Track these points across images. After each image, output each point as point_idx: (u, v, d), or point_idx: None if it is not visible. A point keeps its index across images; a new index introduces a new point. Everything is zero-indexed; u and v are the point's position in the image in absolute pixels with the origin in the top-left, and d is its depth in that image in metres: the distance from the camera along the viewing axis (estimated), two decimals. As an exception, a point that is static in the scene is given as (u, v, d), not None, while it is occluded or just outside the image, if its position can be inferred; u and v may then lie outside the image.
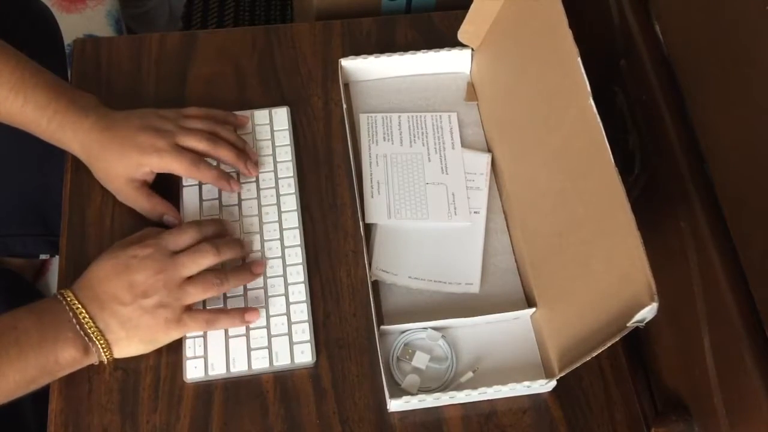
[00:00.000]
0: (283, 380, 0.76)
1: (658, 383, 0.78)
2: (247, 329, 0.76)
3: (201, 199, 0.83)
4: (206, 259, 0.74)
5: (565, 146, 0.72)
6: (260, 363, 0.75)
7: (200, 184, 0.84)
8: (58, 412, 0.73)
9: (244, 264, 0.78)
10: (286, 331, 0.77)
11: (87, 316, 0.70)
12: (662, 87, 0.71)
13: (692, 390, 0.71)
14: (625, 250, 0.63)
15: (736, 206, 0.63)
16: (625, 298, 0.63)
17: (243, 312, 0.76)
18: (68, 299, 0.70)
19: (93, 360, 0.71)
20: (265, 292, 0.78)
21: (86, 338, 0.70)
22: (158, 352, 0.75)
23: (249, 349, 0.76)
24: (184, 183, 0.84)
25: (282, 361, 0.75)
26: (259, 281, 0.79)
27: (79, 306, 0.70)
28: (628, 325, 0.62)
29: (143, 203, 0.80)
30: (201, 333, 0.76)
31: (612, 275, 0.65)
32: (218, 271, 0.75)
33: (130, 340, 0.72)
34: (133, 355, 0.73)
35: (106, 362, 0.72)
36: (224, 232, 0.79)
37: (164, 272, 0.71)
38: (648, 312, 0.60)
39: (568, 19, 0.71)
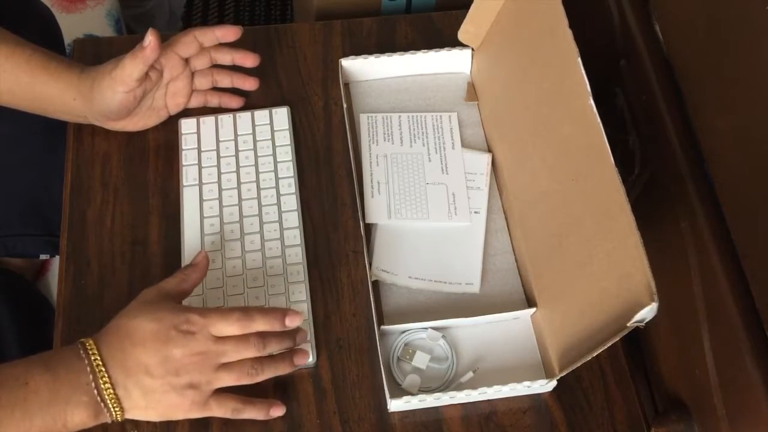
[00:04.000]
0: (283, 380, 0.75)
1: (658, 383, 0.78)
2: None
3: (201, 199, 0.83)
4: (250, 353, 0.69)
5: (565, 146, 0.72)
6: (260, 363, 0.75)
7: (200, 184, 0.84)
8: (59, 412, 0.73)
9: (286, 353, 0.72)
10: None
11: (108, 382, 0.65)
12: (662, 87, 0.71)
13: (692, 390, 0.71)
14: (625, 250, 0.63)
15: (736, 206, 0.63)
16: (625, 298, 0.63)
17: (269, 405, 0.72)
18: (92, 357, 0.65)
19: (102, 421, 0.67)
20: (266, 291, 0.78)
21: (101, 403, 0.65)
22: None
23: (249, 349, 0.76)
24: (185, 183, 0.84)
25: (282, 361, 0.75)
26: (260, 280, 0.79)
27: (103, 369, 0.65)
28: (628, 325, 0.62)
29: None
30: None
31: (612, 275, 0.65)
32: (256, 360, 0.70)
33: (147, 410, 0.68)
34: (144, 420, 0.70)
35: (115, 421, 0.68)
36: (277, 328, 0.71)
37: (204, 355, 0.67)
38: (648, 312, 0.60)
39: (568, 19, 0.71)
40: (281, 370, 0.72)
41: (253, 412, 0.71)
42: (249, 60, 0.86)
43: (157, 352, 0.66)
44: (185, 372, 0.66)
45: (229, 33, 0.84)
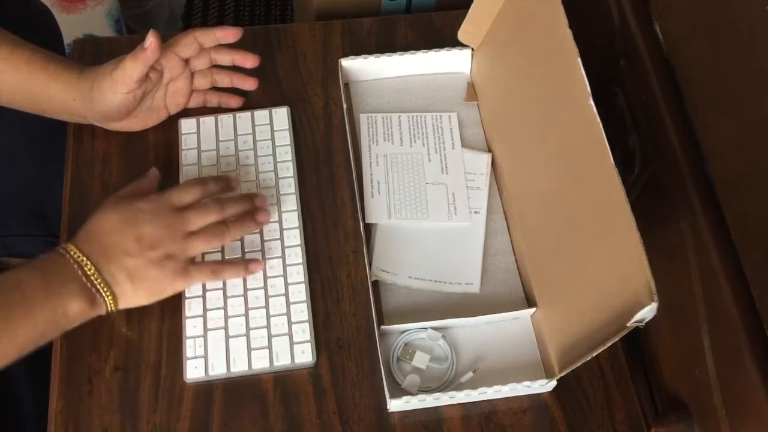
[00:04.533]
0: (283, 380, 0.76)
1: (658, 383, 0.78)
2: (248, 329, 0.76)
3: (201, 199, 0.83)
4: (211, 215, 0.75)
5: (565, 146, 0.72)
6: (260, 363, 0.75)
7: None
8: (59, 413, 0.73)
9: (247, 213, 0.78)
10: (287, 331, 0.77)
11: (93, 268, 0.70)
12: (662, 87, 0.71)
13: (692, 390, 0.71)
14: (625, 250, 0.63)
15: (736, 206, 0.63)
16: (625, 298, 0.63)
17: (247, 263, 0.77)
18: (72, 253, 0.70)
19: (100, 311, 0.71)
20: (266, 292, 0.78)
21: (93, 290, 0.70)
22: (158, 351, 0.76)
23: (249, 349, 0.76)
24: (183, 178, 0.84)
25: (282, 361, 0.75)
26: (260, 281, 0.79)
27: (84, 259, 0.70)
28: (628, 325, 0.62)
29: None
30: (201, 333, 0.76)
31: (612, 275, 0.65)
32: (221, 222, 0.76)
33: (136, 291, 0.72)
34: (136, 305, 0.74)
35: (111, 312, 0.72)
36: (228, 188, 0.79)
37: (171, 226, 0.73)
38: (648, 312, 0.60)
39: (568, 19, 0.71)
40: (246, 228, 0.78)
41: (231, 272, 0.77)
42: (249, 61, 0.87)
43: (129, 233, 0.72)
44: (159, 244, 0.72)
45: (229, 34, 0.84)
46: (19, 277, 0.69)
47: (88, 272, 0.70)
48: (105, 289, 0.70)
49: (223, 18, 1.77)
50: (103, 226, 0.72)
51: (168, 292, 0.74)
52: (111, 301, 0.71)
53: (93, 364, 0.75)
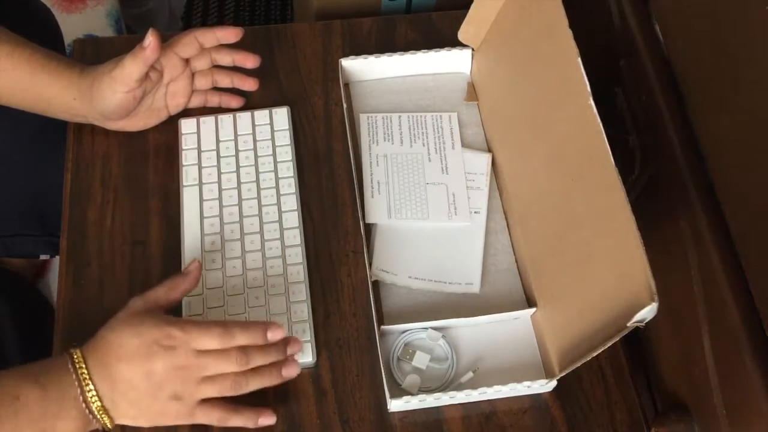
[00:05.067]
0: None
1: (658, 383, 0.78)
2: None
3: (201, 199, 0.83)
4: (231, 368, 0.69)
5: (565, 146, 0.72)
6: (260, 363, 0.75)
7: (200, 184, 0.84)
8: (59, 412, 0.73)
9: (274, 364, 0.71)
10: (287, 331, 0.77)
11: (96, 395, 0.66)
12: (662, 87, 0.72)
13: (692, 390, 0.71)
14: (625, 250, 0.63)
15: (736, 206, 0.63)
16: (625, 298, 0.63)
17: (258, 413, 0.71)
18: (78, 369, 0.66)
19: (93, 428, 0.68)
20: (266, 291, 0.78)
21: (90, 415, 0.67)
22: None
23: (249, 349, 0.76)
24: (185, 183, 0.84)
25: (282, 361, 0.75)
26: (260, 280, 0.79)
27: (89, 381, 0.66)
28: (628, 325, 0.62)
29: None
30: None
31: (612, 275, 0.65)
32: (239, 374, 0.69)
33: (137, 419, 0.69)
34: (134, 425, 0.70)
35: (104, 430, 0.69)
36: (258, 340, 0.70)
37: (185, 369, 0.67)
38: (648, 312, 0.60)
39: (568, 19, 0.71)
40: (268, 382, 0.71)
41: (239, 420, 0.71)
42: (249, 61, 0.87)
43: (139, 367, 0.67)
44: (168, 385, 0.67)
45: (230, 34, 0.84)
46: (18, 387, 0.65)
47: (90, 399, 0.66)
48: (102, 414, 0.67)
49: (223, 18, 1.77)
50: (117, 348, 0.67)
51: (170, 423, 0.70)
52: (108, 423, 0.68)
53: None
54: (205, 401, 0.69)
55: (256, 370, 0.70)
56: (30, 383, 0.65)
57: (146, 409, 0.68)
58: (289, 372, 0.71)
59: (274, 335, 0.70)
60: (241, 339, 0.69)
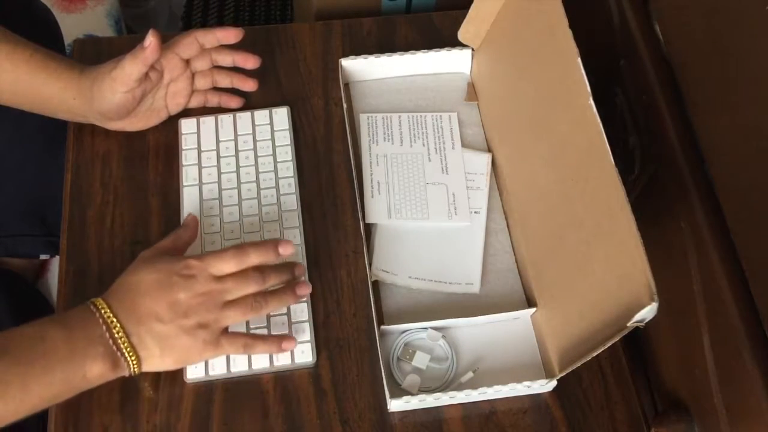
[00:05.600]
0: (283, 380, 0.76)
1: (658, 383, 0.78)
2: (248, 329, 0.76)
3: (201, 199, 0.83)
4: (251, 287, 0.71)
5: (565, 146, 0.72)
6: (260, 363, 0.75)
7: (200, 184, 0.84)
8: (59, 412, 0.73)
9: (288, 284, 0.75)
10: (287, 331, 0.77)
11: (122, 331, 0.68)
12: (662, 87, 0.71)
13: (692, 390, 0.71)
14: (625, 250, 0.63)
15: (736, 206, 0.63)
16: (625, 298, 0.63)
17: (281, 340, 0.74)
18: (102, 311, 0.68)
19: (122, 374, 0.69)
20: (266, 291, 0.78)
21: (118, 353, 0.68)
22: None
23: (249, 349, 0.76)
24: (185, 183, 0.84)
25: (282, 361, 0.75)
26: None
27: (114, 320, 0.68)
28: (628, 325, 0.62)
29: None
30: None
31: (612, 275, 0.65)
32: (258, 294, 0.72)
33: (164, 357, 0.70)
34: (161, 370, 0.72)
35: (134, 375, 0.70)
36: (271, 260, 0.73)
37: (207, 295, 0.69)
38: (648, 312, 0.60)
39: (568, 19, 0.71)
40: (285, 301, 0.74)
41: (264, 347, 0.74)
42: (250, 62, 0.87)
43: (163, 299, 0.69)
44: (193, 313, 0.69)
45: (230, 35, 0.84)
46: (43, 330, 0.66)
47: (116, 335, 0.67)
48: (130, 353, 0.68)
49: (223, 18, 1.77)
50: (137, 285, 0.69)
51: (196, 360, 0.72)
52: (135, 365, 0.69)
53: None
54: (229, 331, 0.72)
55: (273, 292, 0.73)
56: (54, 326, 0.67)
57: (173, 343, 0.69)
58: (302, 291, 0.75)
59: (285, 250, 0.73)
60: (255, 258, 0.72)
